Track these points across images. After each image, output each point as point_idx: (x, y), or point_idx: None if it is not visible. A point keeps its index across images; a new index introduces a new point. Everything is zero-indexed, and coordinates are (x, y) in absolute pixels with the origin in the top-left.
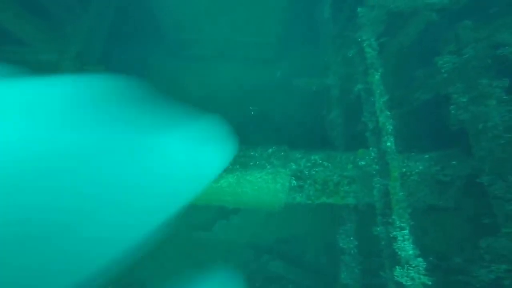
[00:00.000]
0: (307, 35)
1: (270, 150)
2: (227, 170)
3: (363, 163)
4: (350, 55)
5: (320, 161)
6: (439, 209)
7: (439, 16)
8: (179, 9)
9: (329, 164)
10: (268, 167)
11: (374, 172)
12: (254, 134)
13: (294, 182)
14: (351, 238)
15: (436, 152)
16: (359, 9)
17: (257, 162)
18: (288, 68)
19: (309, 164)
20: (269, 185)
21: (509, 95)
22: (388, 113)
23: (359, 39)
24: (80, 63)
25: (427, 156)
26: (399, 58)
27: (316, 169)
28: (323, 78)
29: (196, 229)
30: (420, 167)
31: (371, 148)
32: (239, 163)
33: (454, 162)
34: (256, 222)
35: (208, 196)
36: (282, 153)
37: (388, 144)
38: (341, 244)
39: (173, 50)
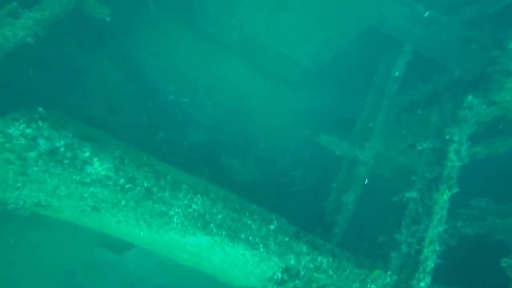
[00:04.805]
0: (353, 76)
1: (272, 227)
2: (205, 230)
3: (373, 287)
4: (420, 147)
5: (326, 267)
6: None
7: None
8: None
9: (334, 275)
10: (262, 249)
11: None
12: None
13: (279, 275)
14: None
15: None
16: (469, 97)
17: (250, 238)
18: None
19: (311, 265)
20: (247, 265)
21: None
22: (438, 248)
23: (447, 137)
24: None
25: None
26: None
27: (316, 274)
28: (354, 146)
29: (103, 246)
30: None
31: (389, 273)
32: (226, 229)
33: None
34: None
35: (157, 246)
36: (286, 239)
37: (422, 284)
38: None
39: (194, 21)
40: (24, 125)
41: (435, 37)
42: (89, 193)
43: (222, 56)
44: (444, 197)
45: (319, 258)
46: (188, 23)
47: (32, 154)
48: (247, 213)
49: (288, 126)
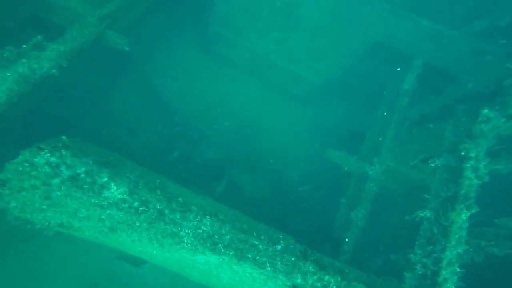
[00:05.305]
0: (362, 91)
1: (278, 247)
2: (214, 249)
3: None
4: (433, 164)
5: (334, 287)
6: None
7: None
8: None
9: None
10: (269, 268)
11: None
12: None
13: None
14: None
15: None
16: (486, 111)
17: (257, 258)
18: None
19: (318, 284)
20: (255, 283)
21: None
22: (458, 269)
23: (463, 153)
24: (104, 26)
25: None
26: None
27: None
28: (363, 163)
29: (122, 259)
30: None
31: None
32: (234, 249)
33: None
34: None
35: (169, 263)
36: (293, 259)
37: None
38: None
39: (207, 46)
40: (48, 154)
41: (446, 49)
42: (107, 215)
43: (235, 76)
44: (462, 217)
45: (326, 278)
46: (204, 47)
47: (56, 181)
48: (255, 234)
49: (297, 142)
